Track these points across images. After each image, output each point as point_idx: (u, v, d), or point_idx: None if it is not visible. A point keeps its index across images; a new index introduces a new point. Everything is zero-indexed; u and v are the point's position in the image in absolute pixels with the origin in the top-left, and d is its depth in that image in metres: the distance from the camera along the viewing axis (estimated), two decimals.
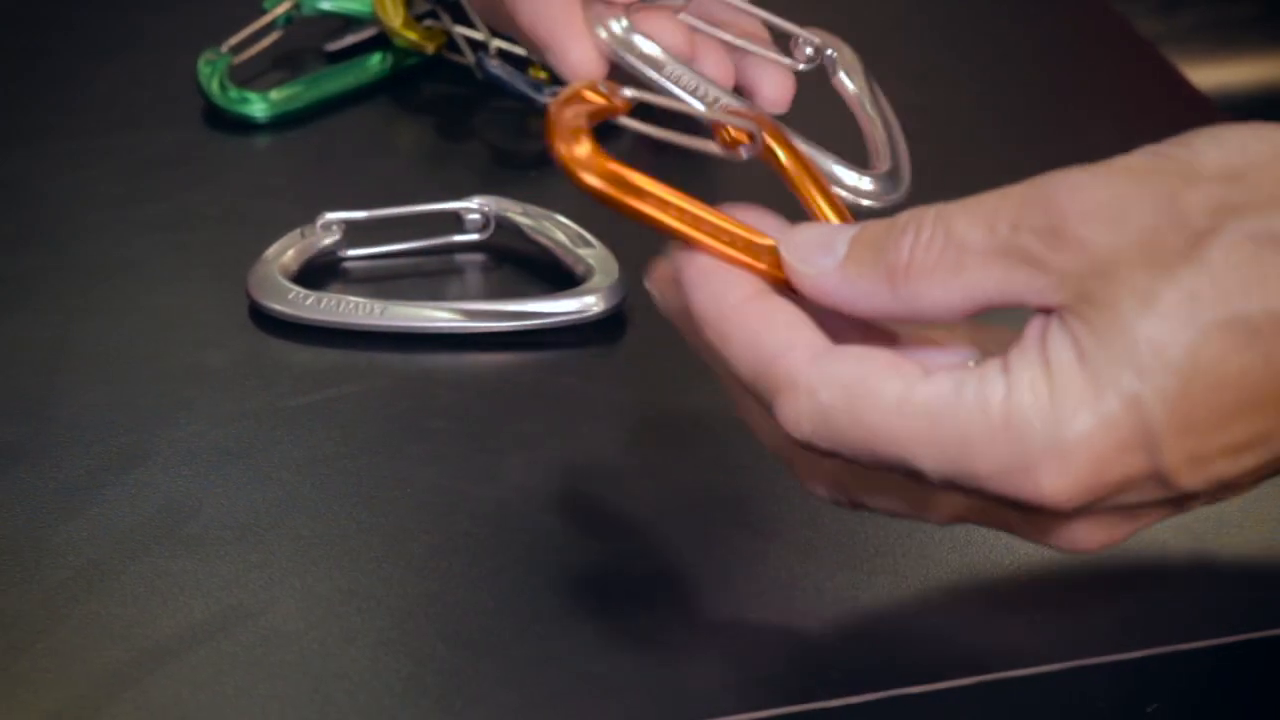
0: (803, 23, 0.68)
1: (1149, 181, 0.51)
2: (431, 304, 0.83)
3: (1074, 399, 0.51)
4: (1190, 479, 0.52)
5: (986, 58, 1.06)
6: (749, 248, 0.57)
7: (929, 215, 0.53)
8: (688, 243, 0.57)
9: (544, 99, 0.94)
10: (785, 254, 0.55)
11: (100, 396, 0.80)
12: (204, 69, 0.97)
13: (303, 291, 0.83)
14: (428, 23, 0.98)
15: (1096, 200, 0.51)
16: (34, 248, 0.89)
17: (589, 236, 0.86)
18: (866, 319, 0.56)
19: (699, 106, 0.62)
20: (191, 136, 0.96)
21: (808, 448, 0.55)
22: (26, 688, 0.66)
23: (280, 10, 0.99)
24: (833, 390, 0.53)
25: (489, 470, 0.76)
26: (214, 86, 0.96)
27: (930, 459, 0.52)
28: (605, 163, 0.58)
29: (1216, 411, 0.51)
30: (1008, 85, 1.03)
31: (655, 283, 0.60)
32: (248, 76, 0.98)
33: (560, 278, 0.85)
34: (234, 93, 0.96)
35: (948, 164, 0.95)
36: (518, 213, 0.87)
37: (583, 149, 0.58)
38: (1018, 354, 0.52)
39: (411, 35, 0.98)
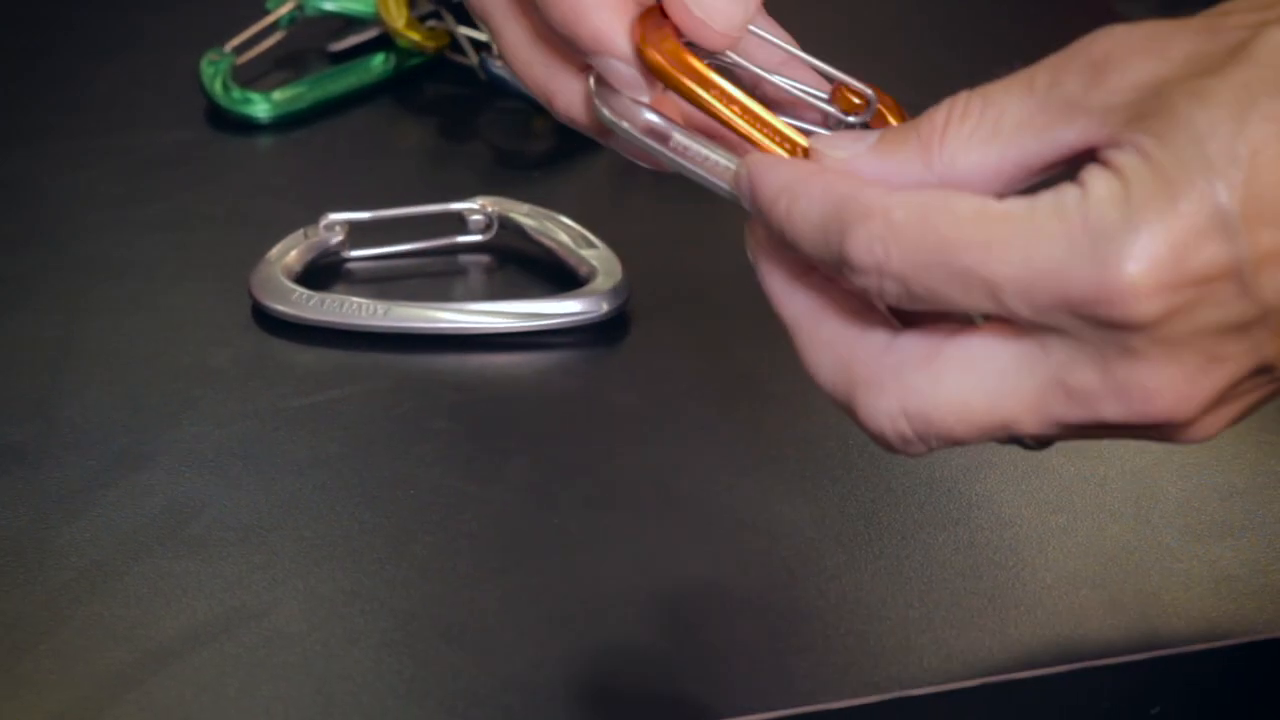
0: (826, 45, 0.66)
1: (1184, 20, 0.51)
2: (435, 305, 0.83)
3: (1148, 191, 0.50)
4: (1268, 280, 0.50)
5: (987, 58, 1.06)
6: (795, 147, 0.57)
7: (964, 92, 0.53)
8: (736, 132, 0.57)
9: None
10: (816, 143, 0.55)
11: (103, 397, 0.80)
12: (207, 69, 0.97)
13: (306, 292, 0.83)
14: (431, 23, 0.98)
15: (1134, 38, 0.51)
16: (36, 247, 0.89)
17: (592, 238, 0.85)
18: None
19: (822, 66, 0.60)
20: (194, 136, 0.96)
21: (877, 280, 0.53)
22: (30, 689, 0.66)
23: (283, 10, 0.99)
24: (908, 209, 0.52)
25: (492, 471, 0.76)
26: (217, 87, 0.96)
27: (1007, 266, 0.51)
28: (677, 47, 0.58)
29: None
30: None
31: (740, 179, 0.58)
32: (251, 77, 0.98)
33: (564, 278, 0.85)
34: (237, 93, 0.96)
35: None
36: (521, 213, 0.87)
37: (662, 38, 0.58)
38: (1087, 171, 0.51)
39: (414, 36, 0.98)
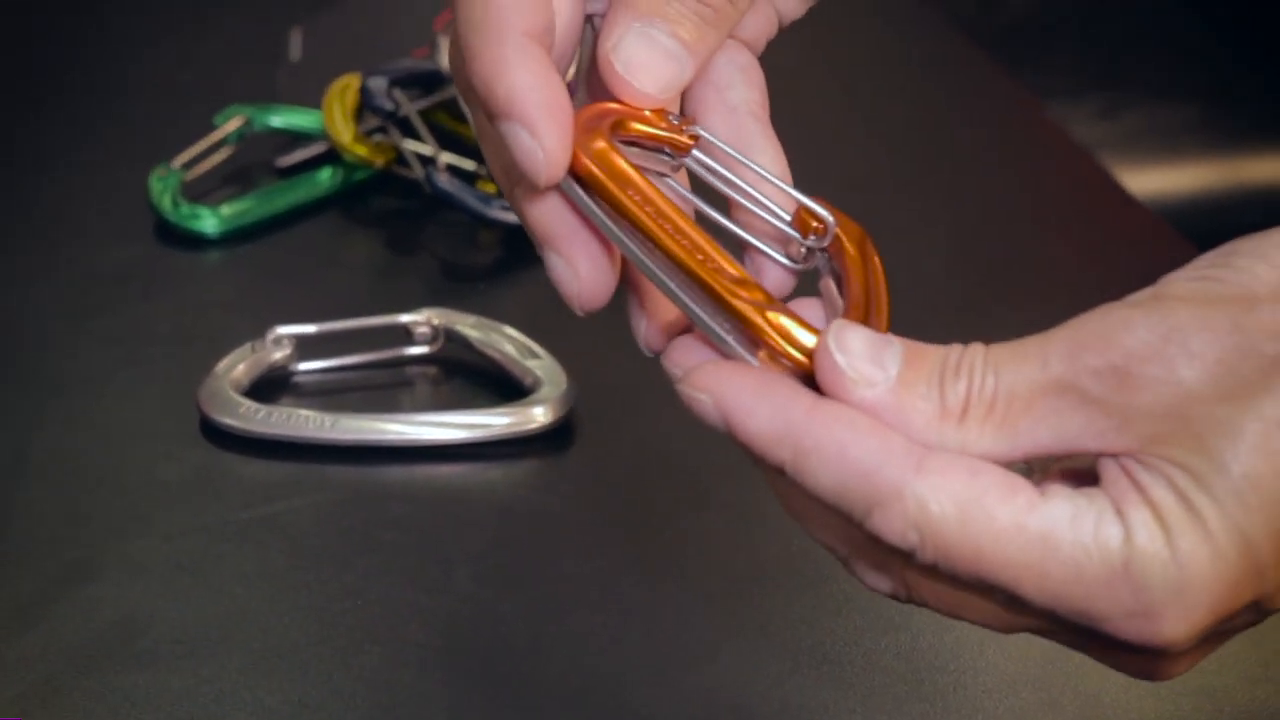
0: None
1: (1207, 312, 0.50)
2: (381, 417, 0.83)
3: (1190, 544, 0.49)
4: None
5: (925, 165, 1.07)
6: (755, 306, 0.53)
7: (978, 356, 0.52)
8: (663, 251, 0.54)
9: (492, 212, 0.95)
10: (835, 354, 0.52)
11: (52, 511, 0.80)
12: (156, 184, 0.97)
13: (253, 405, 0.84)
14: (377, 138, 0.99)
15: (1159, 336, 0.50)
16: None
17: (537, 348, 0.86)
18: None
19: (785, 188, 0.57)
20: (144, 251, 0.97)
21: (905, 557, 0.52)
22: None
23: (231, 127, 1.00)
24: (944, 505, 0.51)
25: (439, 581, 0.77)
26: (165, 202, 0.97)
27: (1039, 590, 0.51)
28: (610, 153, 0.55)
29: None
30: (948, 193, 1.05)
31: (693, 393, 0.54)
32: (199, 192, 0.99)
33: (509, 389, 0.86)
34: (185, 209, 0.97)
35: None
36: (466, 325, 0.88)
37: (596, 141, 0.55)
38: (1117, 494, 0.50)
39: (361, 150, 0.99)
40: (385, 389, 0.88)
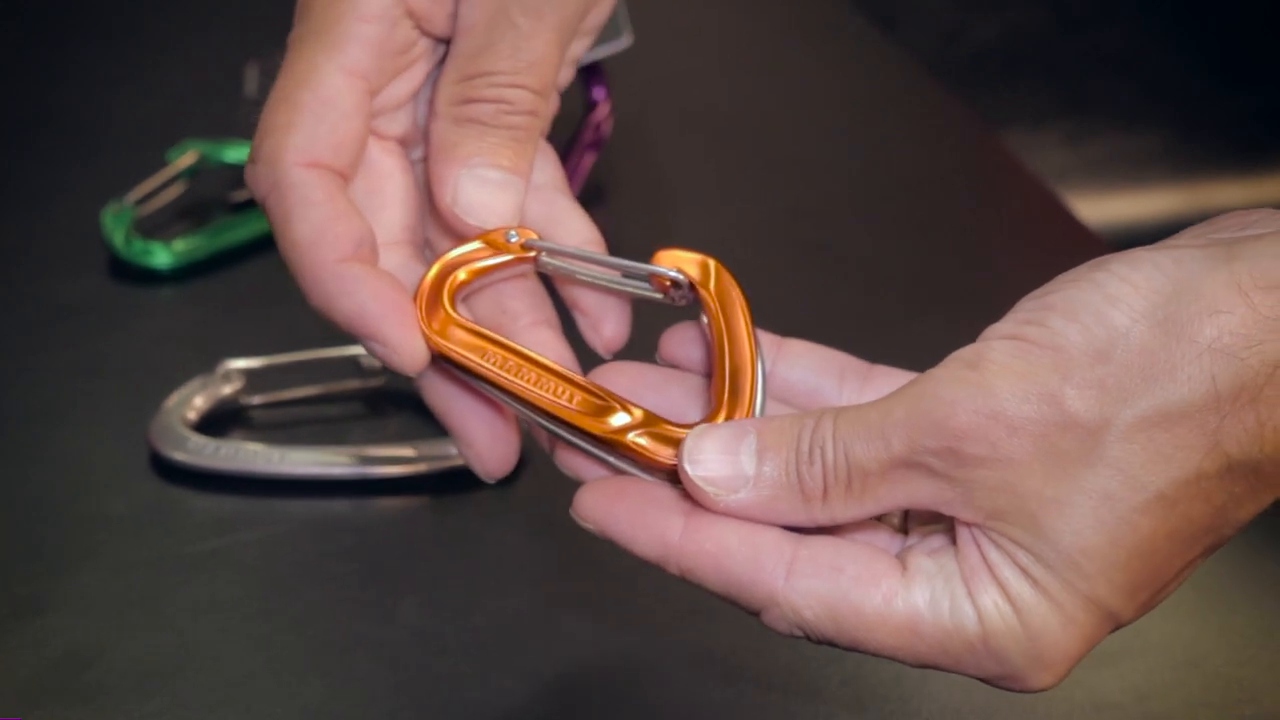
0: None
1: (1025, 385, 0.53)
2: (330, 449, 0.84)
3: (1039, 620, 0.54)
4: (1137, 616, 0.56)
5: (882, 195, 1.08)
6: (600, 411, 0.59)
7: (827, 432, 0.55)
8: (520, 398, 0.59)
9: None
10: (692, 473, 0.56)
11: (2, 545, 0.80)
12: (109, 220, 0.98)
13: (203, 440, 0.84)
14: None
15: (979, 416, 0.53)
16: None
17: None
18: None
19: (630, 264, 0.62)
20: (97, 286, 0.97)
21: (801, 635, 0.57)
22: None
23: (185, 162, 1.01)
24: (815, 609, 0.55)
25: (385, 613, 0.77)
26: (118, 238, 0.97)
27: (916, 660, 0.55)
28: (453, 327, 0.60)
29: (1156, 570, 0.54)
30: (904, 223, 1.05)
31: (583, 519, 0.60)
32: (152, 227, 0.99)
33: None
34: (138, 244, 0.97)
35: (838, 291, 0.97)
36: None
37: (440, 318, 0.60)
38: (972, 577, 0.54)
39: None
40: (334, 422, 0.88)
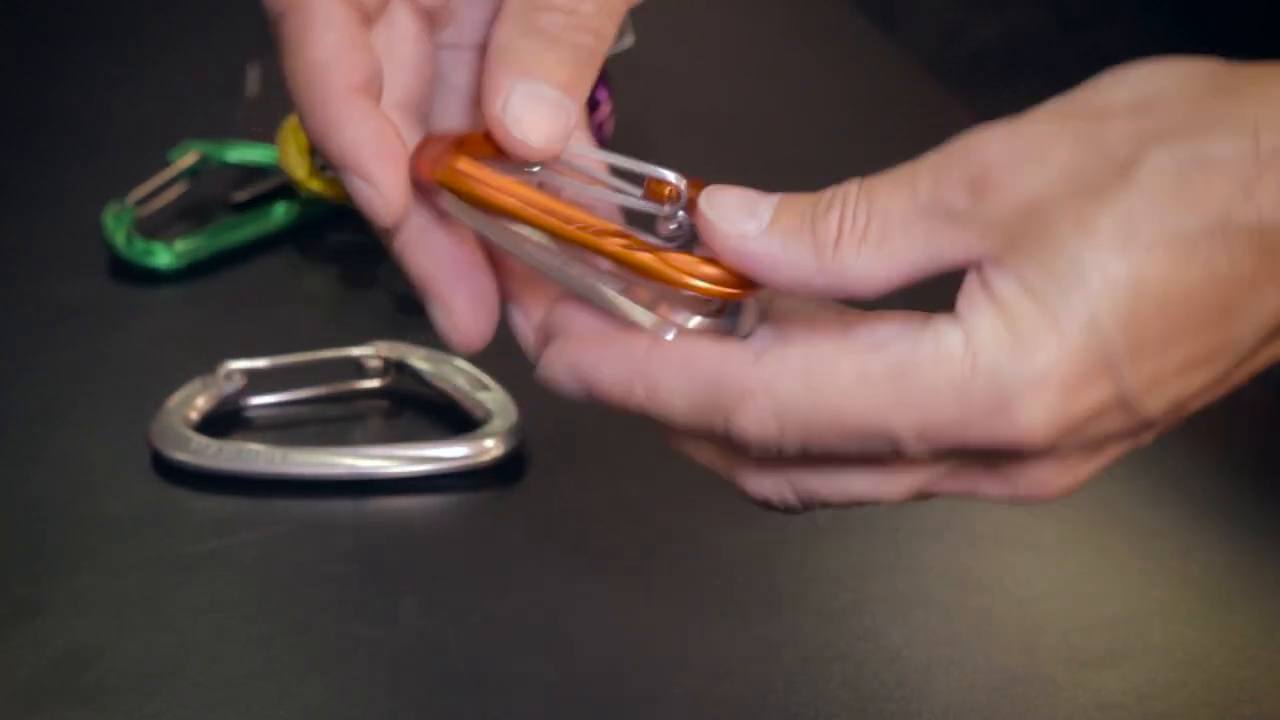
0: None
1: (1064, 123, 0.51)
2: (331, 450, 0.84)
3: (1033, 332, 0.50)
4: (1151, 402, 0.52)
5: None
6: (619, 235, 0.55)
7: (853, 189, 0.53)
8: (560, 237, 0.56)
9: None
10: (707, 211, 0.54)
11: (2, 545, 0.80)
12: (110, 220, 0.98)
13: (204, 440, 0.84)
14: (331, 173, 0.99)
15: (1015, 146, 0.51)
16: None
17: (488, 380, 0.87)
18: (785, 289, 0.54)
19: (630, 164, 0.59)
20: (97, 286, 0.97)
21: (776, 452, 0.53)
22: None
23: (186, 162, 1.01)
24: (788, 382, 0.52)
25: (386, 614, 0.77)
26: (119, 238, 0.97)
27: (904, 420, 0.52)
28: (469, 161, 0.57)
29: (1168, 328, 0.51)
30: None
31: (550, 369, 0.57)
32: (153, 227, 0.99)
33: (460, 421, 0.86)
34: (139, 244, 0.97)
35: None
36: (417, 358, 0.88)
37: (455, 157, 0.57)
38: (964, 303, 0.51)
39: (315, 186, 0.99)
40: (336, 422, 0.88)
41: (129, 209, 0.98)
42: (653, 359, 0.54)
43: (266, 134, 1.01)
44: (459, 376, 0.87)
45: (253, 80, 1.10)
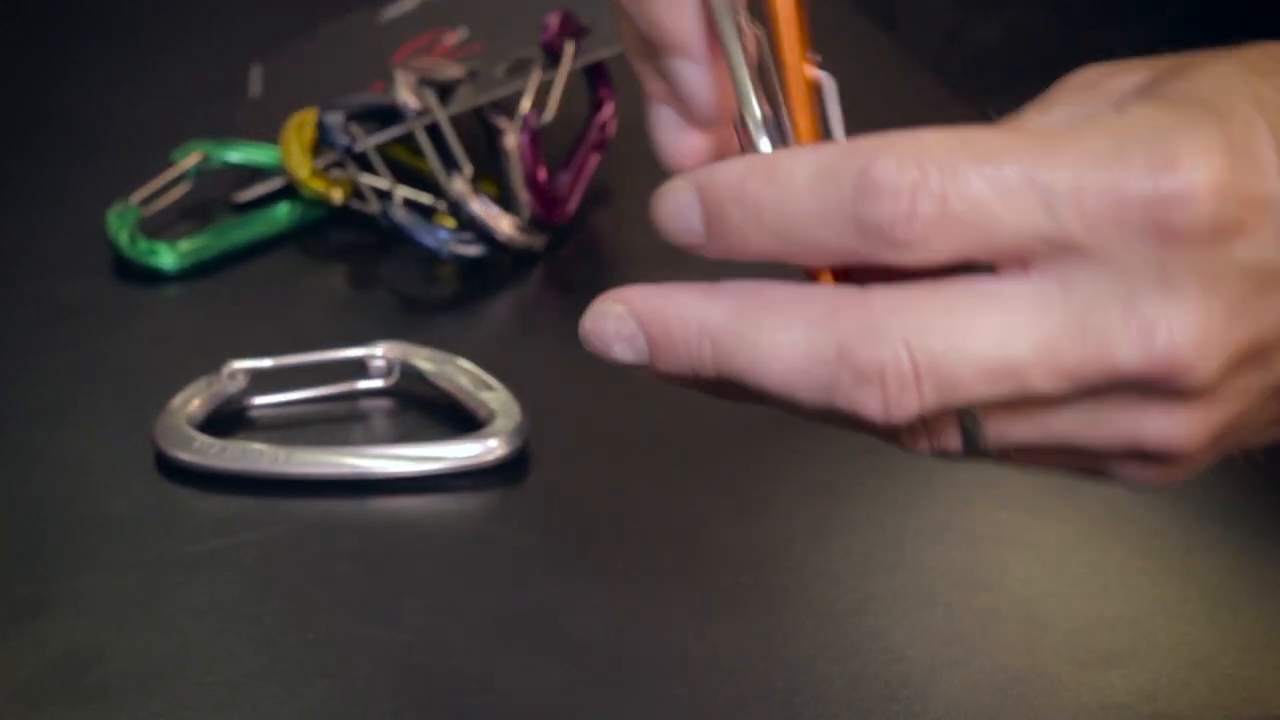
0: None
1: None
2: (336, 450, 0.84)
3: (1192, 106, 0.48)
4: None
5: None
6: None
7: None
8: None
9: (449, 247, 0.95)
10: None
11: (3, 545, 0.80)
12: (113, 221, 0.98)
13: (207, 440, 0.84)
14: (334, 173, 0.99)
15: (1111, 65, 0.51)
16: None
17: (491, 380, 0.86)
18: None
19: None
20: (101, 286, 0.97)
21: (909, 203, 0.48)
22: None
23: (189, 162, 1.01)
24: (939, 132, 0.49)
25: (389, 614, 0.77)
26: (123, 238, 0.97)
27: (1059, 169, 0.47)
28: None
29: None
30: None
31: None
32: (157, 227, 0.99)
33: (463, 422, 0.86)
34: (143, 244, 0.97)
35: None
36: (421, 358, 0.88)
37: None
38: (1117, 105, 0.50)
39: (318, 185, 0.99)
40: (340, 422, 0.88)
41: (132, 209, 0.98)
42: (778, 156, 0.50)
43: (269, 134, 1.02)
44: (462, 376, 0.87)
45: (255, 80, 1.10)
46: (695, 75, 0.55)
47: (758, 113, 0.53)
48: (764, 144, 0.53)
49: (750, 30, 0.55)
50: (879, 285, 0.49)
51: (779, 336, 0.50)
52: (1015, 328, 0.48)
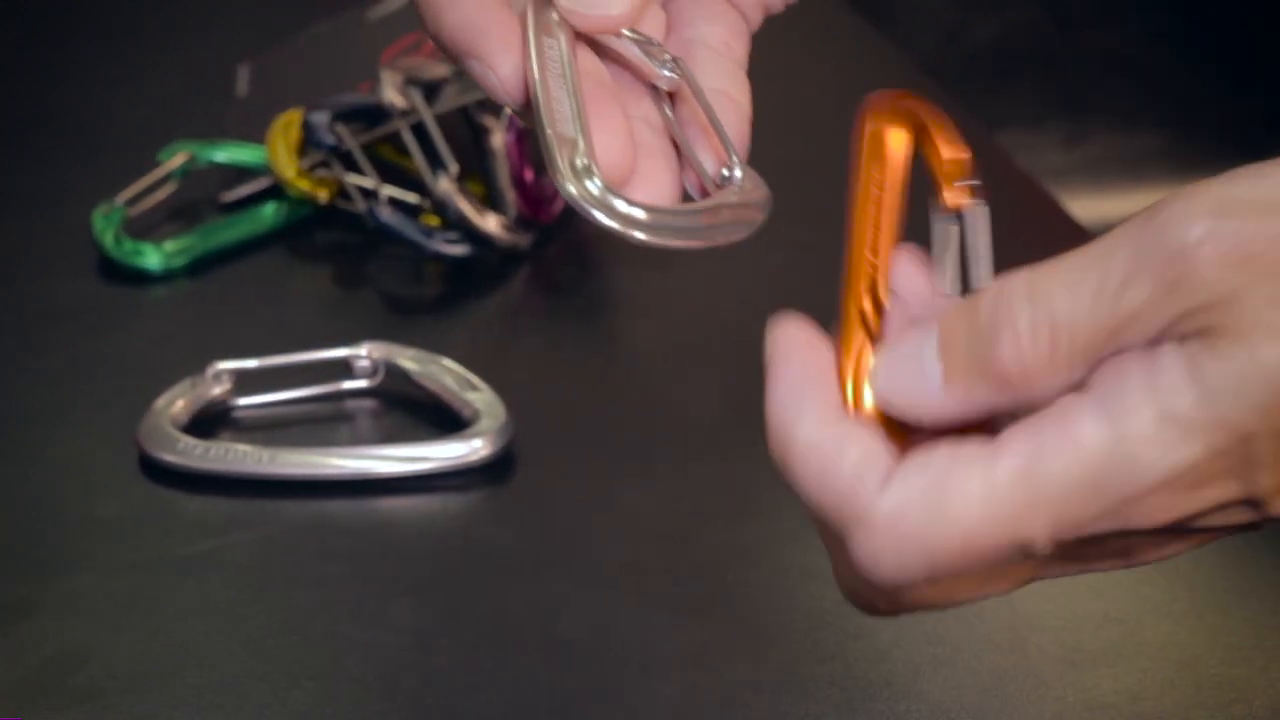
0: None
1: (1270, 222, 0.48)
2: (321, 450, 0.83)
3: (1183, 423, 0.47)
4: (1268, 497, 0.49)
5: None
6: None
7: (1019, 298, 0.49)
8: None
9: (435, 246, 0.95)
10: (881, 393, 0.51)
11: None
12: (99, 221, 0.97)
13: (192, 441, 0.84)
14: (320, 173, 0.99)
15: (1221, 246, 0.47)
16: None
17: (476, 380, 0.86)
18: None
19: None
20: (87, 288, 0.97)
21: (891, 585, 0.50)
22: None
23: (176, 163, 1.00)
24: (913, 511, 0.49)
25: (376, 615, 0.77)
26: (109, 239, 0.97)
27: (1036, 524, 0.48)
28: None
29: None
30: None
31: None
32: (143, 227, 0.99)
33: (448, 421, 0.86)
34: (128, 245, 0.97)
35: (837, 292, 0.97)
36: (406, 358, 0.88)
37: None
38: (1112, 384, 0.48)
39: (304, 185, 0.99)
40: (325, 423, 0.88)
41: (118, 209, 0.98)
42: (795, 434, 0.51)
43: (256, 134, 1.01)
44: (447, 376, 0.87)
45: (242, 80, 1.10)
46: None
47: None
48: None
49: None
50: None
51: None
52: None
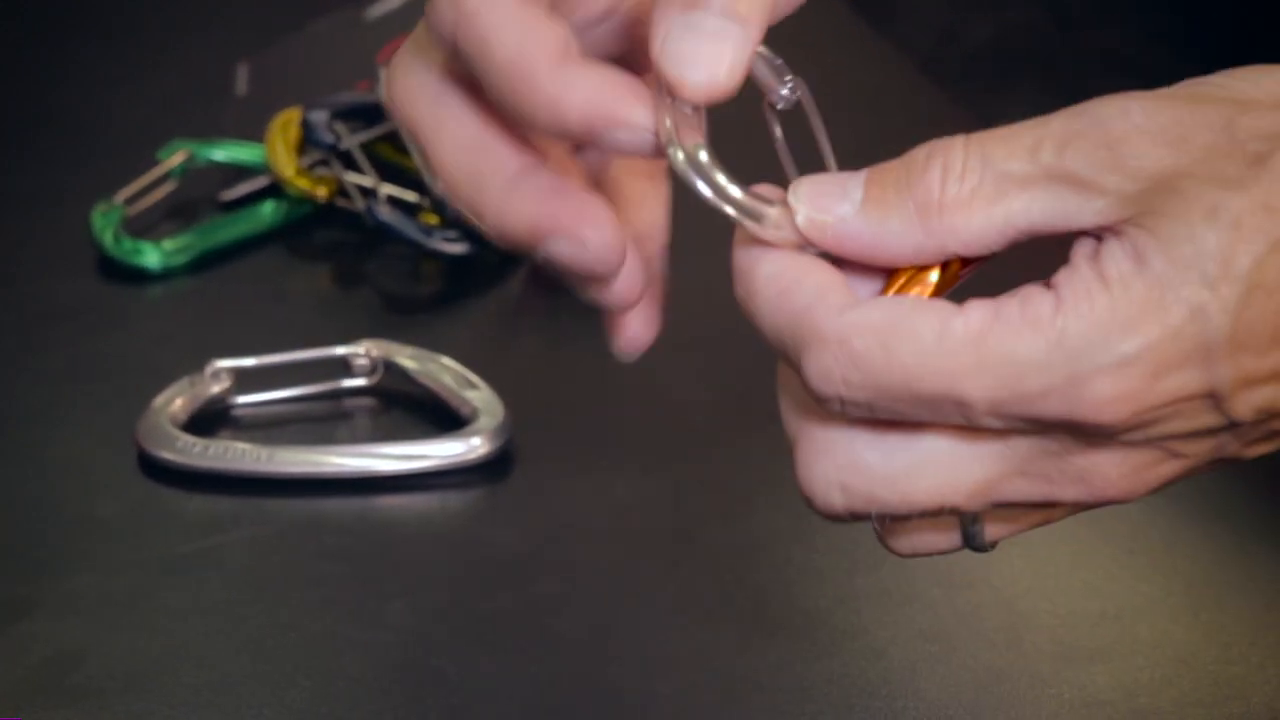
0: None
1: (1202, 107, 0.49)
2: (318, 449, 0.84)
3: (1134, 307, 0.48)
4: (1240, 403, 0.50)
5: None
6: None
7: (957, 145, 0.50)
8: None
9: (433, 244, 0.95)
10: (796, 204, 0.51)
11: None
12: (98, 220, 0.98)
13: (191, 439, 0.84)
14: (319, 171, 0.99)
15: (1157, 123, 0.49)
16: None
17: (475, 379, 0.86)
18: (893, 264, 0.52)
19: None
20: (86, 287, 0.97)
21: (839, 406, 0.50)
22: None
23: (175, 161, 1.01)
24: (865, 336, 0.49)
25: (373, 614, 0.77)
26: (108, 237, 0.97)
27: (978, 386, 0.49)
28: None
29: (1274, 328, 0.49)
30: None
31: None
32: (142, 226, 0.99)
33: (447, 420, 0.86)
34: (127, 243, 0.97)
35: None
36: (405, 356, 0.88)
37: None
38: (1065, 272, 0.49)
39: (303, 184, 0.99)
40: (323, 421, 0.88)
41: (117, 208, 0.98)
42: (764, 274, 0.52)
43: (255, 133, 1.02)
44: (446, 375, 0.87)
45: (241, 79, 1.10)
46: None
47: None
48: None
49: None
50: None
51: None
52: (955, 479, 0.51)
